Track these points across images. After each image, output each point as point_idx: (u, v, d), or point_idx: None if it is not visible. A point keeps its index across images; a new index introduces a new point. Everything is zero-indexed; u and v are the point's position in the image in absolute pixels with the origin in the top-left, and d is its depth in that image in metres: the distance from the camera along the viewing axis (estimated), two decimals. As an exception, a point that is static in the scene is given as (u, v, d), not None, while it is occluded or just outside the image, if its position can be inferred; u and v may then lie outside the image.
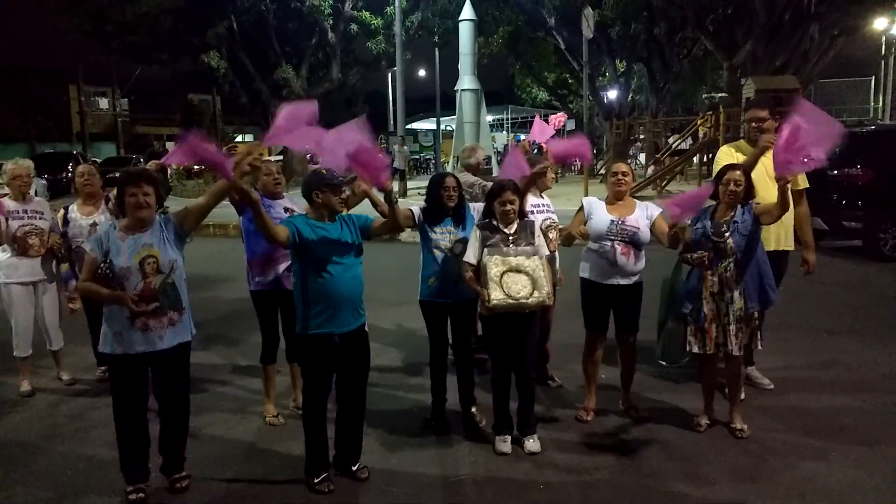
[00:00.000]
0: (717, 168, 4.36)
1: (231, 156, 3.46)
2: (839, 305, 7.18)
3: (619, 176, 4.35)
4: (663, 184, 18.62)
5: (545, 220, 4.73)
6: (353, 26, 26.62)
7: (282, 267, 4.25)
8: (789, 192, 3.93)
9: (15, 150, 24.19)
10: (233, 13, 25.89)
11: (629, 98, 32.70)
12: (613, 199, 4.38)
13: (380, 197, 4.05)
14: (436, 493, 3.63)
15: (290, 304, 3.69)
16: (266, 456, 4.06)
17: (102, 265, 3.37)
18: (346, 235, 3.59)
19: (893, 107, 27.38)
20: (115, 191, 3.78)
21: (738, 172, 4.02)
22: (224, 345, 6.28)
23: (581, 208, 4.45)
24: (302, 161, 23.46)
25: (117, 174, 6.21)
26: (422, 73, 41.95)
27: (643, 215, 4.30)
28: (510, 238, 3.90)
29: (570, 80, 35.22)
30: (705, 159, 19.70)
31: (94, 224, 4.98)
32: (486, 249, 3.86)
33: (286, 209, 4.32)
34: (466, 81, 20.64)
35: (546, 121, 5.81)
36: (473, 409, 4.38)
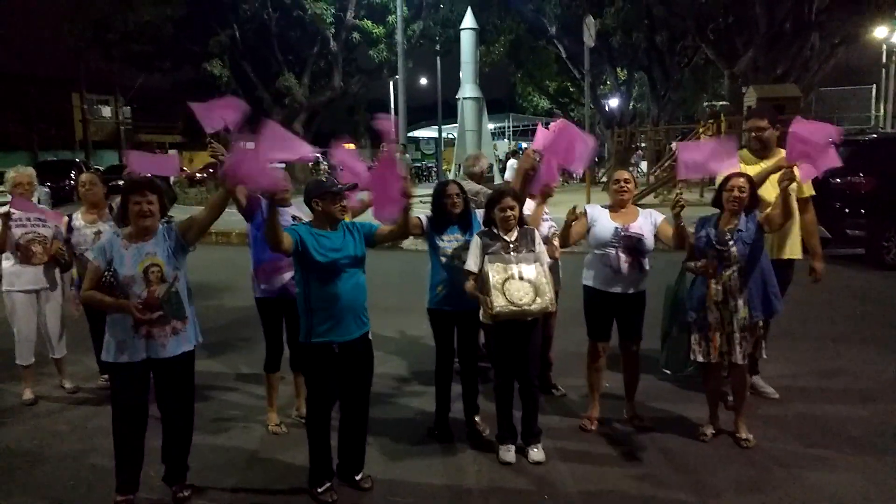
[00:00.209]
0: (719, 179, 4.36)
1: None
2: (843, 314, 7.16)
3: (622, 183, 4.35)
4: (665, 192, 18.60)
5: (550, 227, 4.73)
6: (356, 35, 26.76)
7: (287, 275, 4.24)
8: (793, 200, 3.92)
9: (17, 158, 24.18)
10: (235, 22, 26.04)
11: (630, 106, 32.79)
12: (616, 207, 4.38)
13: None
14: (440, 502, 3.61)
15: (294, 313, 3.67)
16: (269, 465, 4.04)
17: (106, 274, 3.36)
18: (348, 243, 3.58)
19: (895, 115, 27.39)
20: (118, 199, 3.78)
21: (742, 179, 4.01)
22: (227, 353, 6.26)
23: (584, 212, 4.44)
24: (304, 169, 23.51)
25: (120, 182, 6.22)
26: (423, 81, 42.09)
27: (647, 222, 4.30)
28: (511, 245, 3.89)
29: (571, 89, 35.36)
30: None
31: (98, 232, 4.99)
32: (487, 257, 3.85)
33: (294, 217, 4.31)
34: (468, 90, 20.68)
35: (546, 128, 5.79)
36: (477, 418, 4.37)
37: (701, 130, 21.20)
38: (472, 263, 3.93)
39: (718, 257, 4.01)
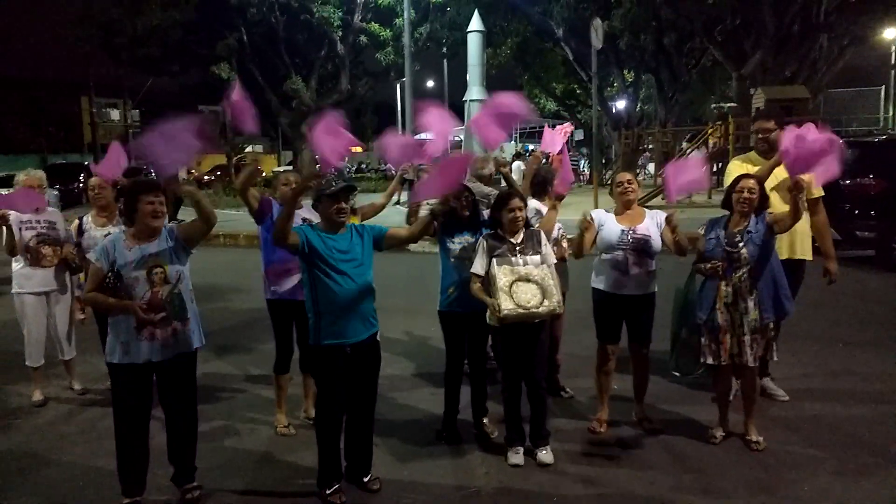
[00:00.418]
0: (727, 181, 4.35)
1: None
2: (854, 316, 7.12)
3: (625, 184, 4.34)
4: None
5: (558, 228, 4.73)
6: (363, 38, 26.82)
7: (297, 277, 4.24)
8: (802, 200, 3.90)
9: (27, 162, 24.39)
10: (243, 25, 26.14)
11: (637, 108, 32.66)
12: (622, 209, 4.36)
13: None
14: (448, 504, 3.60)
15: (304, 315, 3.67)
16: (277, 466, 4.04)
17: (109, 275, 3.36)
18: (355, 246, 3.57)
19: (903, 116, 27.29)
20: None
21: (751, 181, 4.00)
22: (236, 354, 6.27)
23: (591, 218, 4.42)
24: (311, 162, 23.56)
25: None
26: (430, 84, 42.19)
27: (653, 223, 4.28)
28: (517, 247, 3.89)
29: (578, 91, 35.25)
30: (715, 169, 19.65)
31: (109, 235, 5.00)
32: (494, 259, 3.85)
33: (304, 219, 4.30)
34: (475, 92, 20.64)
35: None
36: (485, 420, 4.36)
37: (709, 132, 21.18)
38: (478, 266, 3.92)
39: (729, 259, 4.00)
